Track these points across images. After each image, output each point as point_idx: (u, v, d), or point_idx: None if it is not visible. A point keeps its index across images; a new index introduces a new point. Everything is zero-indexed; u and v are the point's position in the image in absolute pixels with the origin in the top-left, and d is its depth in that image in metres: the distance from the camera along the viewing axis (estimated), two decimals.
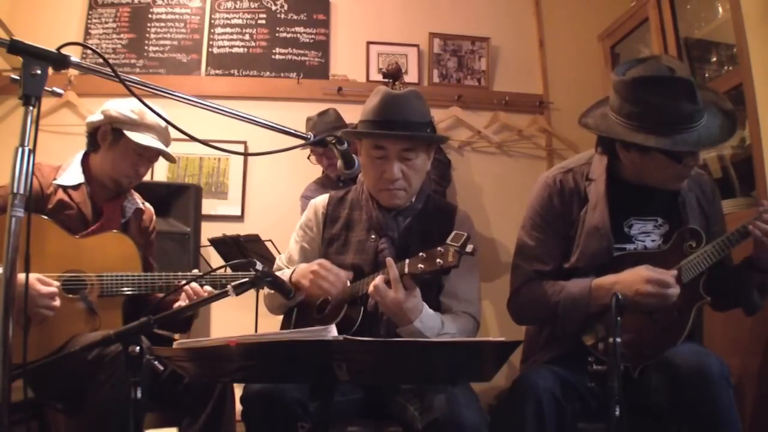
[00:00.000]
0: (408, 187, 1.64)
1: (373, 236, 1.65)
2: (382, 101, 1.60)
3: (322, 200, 1.80)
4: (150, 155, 1.89)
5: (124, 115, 1.83)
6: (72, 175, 1.85)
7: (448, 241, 1.33)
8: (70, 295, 1.70)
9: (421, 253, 1.38)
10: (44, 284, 1.59)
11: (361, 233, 1.68)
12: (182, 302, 1.75)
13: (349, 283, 1.56)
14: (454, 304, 1.62)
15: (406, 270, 1.40)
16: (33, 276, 1.56)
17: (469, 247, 1.31)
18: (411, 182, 1.64)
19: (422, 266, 1.36)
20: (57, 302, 1.61)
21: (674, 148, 1.48)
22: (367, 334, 1.51)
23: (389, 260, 1.43)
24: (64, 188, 1.82)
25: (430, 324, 1.48)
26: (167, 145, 1.92)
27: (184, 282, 1.75)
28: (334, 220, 1.73)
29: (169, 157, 1.94)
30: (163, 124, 1.86)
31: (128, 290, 1.75)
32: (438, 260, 1.33)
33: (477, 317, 1.64)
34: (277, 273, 1.67)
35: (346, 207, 1.75)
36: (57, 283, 1.64)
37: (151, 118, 1.85)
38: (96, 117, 1.88)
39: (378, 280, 1.43)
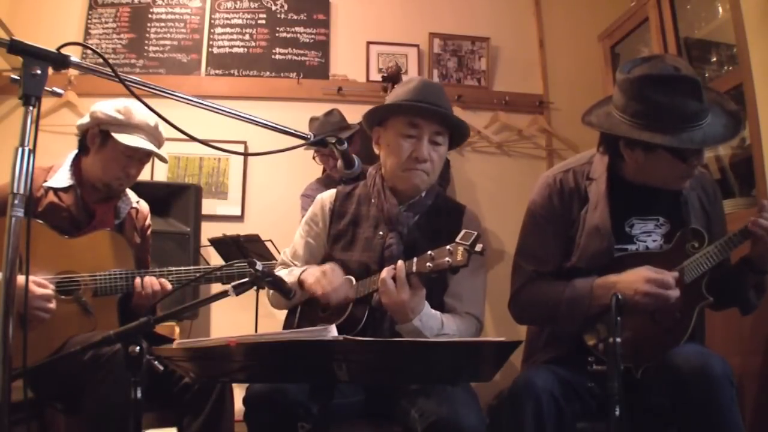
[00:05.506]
0: (431, 172, 1.66)
1: (380, 232, 1.63)
2: (419, 85, 1.63)
3: (329, 195, 1.77)
4: (140, 156, 1.85)
5: (110, 116, 1.79)
6: (62, 177, 1.82)
7: (458, 239, 1.32)
8: (63, 297, 1.69)
9: (429, 252, 1.37)
10: (40, 286, 1.59)
11: (368, 229, 1.66)
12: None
13: (353, 283, 1.55)
14: (458, 304, 1.62)
15: (414, 268, 1.39)
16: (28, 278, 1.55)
17: (479, 246, 1.30)
18: (435, 168, 1.66)
19: (430, 265, 1.36)
20: (53, 304, 1.61)
21: (681, 146, 1.47)
22: (371, 332, 1.52)
23: (399, 262, 1.42)
24: (55, 191, 1.79)
25: (430, 324, 1.48)
26: (159, 145, 1.88)
27: (189, 280, 1.76)
28: (341, 215, 1.71)
29: (160, 158, 1.89)
30: (152, 123, 1.83)
31: (122, 288, 1.74)
32: (447, 259, 1.32)
33: (480, 318, 1.64)
34: (286, 270, 1.68)
35: (353, 202, 1.73)
36: (52, 286, 1.63)
37: (139, 118, 1.81)
38: (84, 119, 1.85)
39: (385, 273, 1.42)
